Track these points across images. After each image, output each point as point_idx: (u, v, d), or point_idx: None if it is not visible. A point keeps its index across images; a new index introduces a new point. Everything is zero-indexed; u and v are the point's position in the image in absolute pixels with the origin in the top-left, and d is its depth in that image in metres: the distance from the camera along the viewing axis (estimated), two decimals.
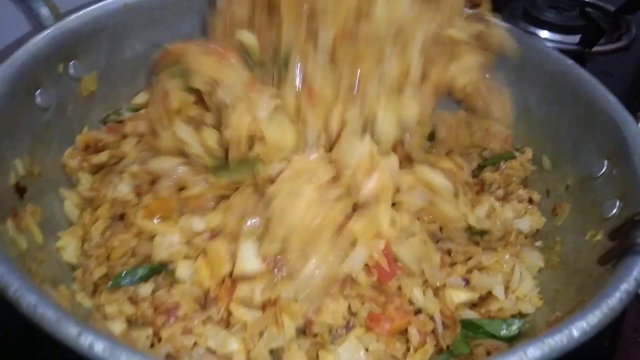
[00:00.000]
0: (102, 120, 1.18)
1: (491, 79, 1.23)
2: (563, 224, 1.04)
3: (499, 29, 1.03)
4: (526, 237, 1.06)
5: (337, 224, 0.87)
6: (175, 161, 0.99)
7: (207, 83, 0.95)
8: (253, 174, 0.94)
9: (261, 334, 0.85)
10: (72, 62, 1.07)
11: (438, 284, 0.92)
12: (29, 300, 0.63)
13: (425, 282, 0.93)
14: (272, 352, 0.85)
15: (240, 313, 0.85)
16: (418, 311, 0.91)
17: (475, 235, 1.04)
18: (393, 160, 0.92)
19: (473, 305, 0.95)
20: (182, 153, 0.99)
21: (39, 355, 0.90)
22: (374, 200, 0.89)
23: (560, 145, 1.12)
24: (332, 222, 0.86)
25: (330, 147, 0.95)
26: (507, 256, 0.96)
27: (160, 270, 0.91)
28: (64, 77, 1.05)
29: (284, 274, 0.86)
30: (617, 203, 0.91)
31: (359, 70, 0.93)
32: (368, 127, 0.96)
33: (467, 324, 0.91)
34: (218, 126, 0.96)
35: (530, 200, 1.12)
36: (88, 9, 1.10)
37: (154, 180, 1.00)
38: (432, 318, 0.89)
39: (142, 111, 1.18)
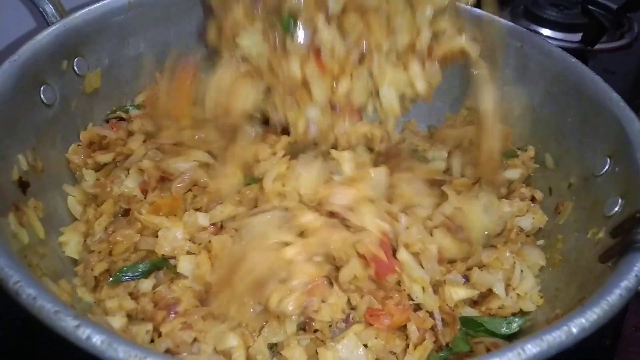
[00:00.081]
0: (106, 117, 1.18)
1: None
2: (565, 222, 1.04)
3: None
4: (528, 236, 1.06)
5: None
6: (191, 162, 1.00)
7: None
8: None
9: (261, 329, 0.85)
10: (76, 59, 1.07)
11: (438, 278, 0.93)
12: (29, 292, 0.63)
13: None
14: (272, 347, 0.85)
15: None
16: (417, 308, 0.91)
17: None
18: (380, 173, 0.96)
19: (474, 302, 0.95)
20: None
21: (38, 356, 0.91)
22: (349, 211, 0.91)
23: (563, 144, 1.11)
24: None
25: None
26: (507, 253, 0.96)
27: (161, 266, 0.91)
28: (68, 73, 1.06)
29: None
30: (619, 201, 0.90)
31: (365, 42, 0.93)
32: (372, 101, 0.98)
33: (467, 322, 0.91)
34: None
35: (533, 199, 1.11)
36: (92, 7, 1.11)
37: (162, 178, 1.01)
38: (431, 315, 0.89)
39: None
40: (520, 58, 1.21)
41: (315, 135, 1.01)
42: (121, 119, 1.18)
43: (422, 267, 0.93)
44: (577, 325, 0.66)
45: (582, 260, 0.92)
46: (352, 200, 0.93)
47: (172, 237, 0.92)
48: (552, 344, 0.64)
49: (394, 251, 0.92)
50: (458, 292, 0.91)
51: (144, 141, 1.09)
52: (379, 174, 0.98)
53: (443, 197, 1.03)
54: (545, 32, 1.73)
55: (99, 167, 1.08)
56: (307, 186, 0.96)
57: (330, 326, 0.86)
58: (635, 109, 0.98)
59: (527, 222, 1.06)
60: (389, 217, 0.95)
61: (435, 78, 0.98)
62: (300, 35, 0.93)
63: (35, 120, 0.96)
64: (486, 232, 1.00)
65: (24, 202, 0.88)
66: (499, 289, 0.93)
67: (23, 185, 0.90)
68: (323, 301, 0.85)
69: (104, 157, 1.08)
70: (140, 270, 0.90)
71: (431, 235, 0.97)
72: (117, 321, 0.83)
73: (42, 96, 0.98)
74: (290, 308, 0.83)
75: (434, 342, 0.87)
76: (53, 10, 1.08)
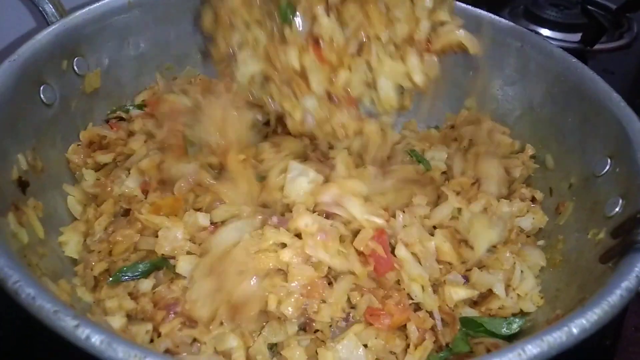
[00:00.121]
0: (106, 117, 1.18)
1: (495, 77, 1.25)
2: (566, 223, 1.04)
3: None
4: (528, 236, 1.06)
5: None
6: (194, 166, 1.00)
7: None
8: None
9: (261, 329, 0.85)
10: (76, 58, 1.07)
11: (436, 276, 0.93)
12: (28, 292, 0.63)
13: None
14: (272, 347, 0.85)
15: None
16: (417, 308, 0.91)
17: None
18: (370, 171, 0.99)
19: (474, 303, 0.95)
20: None
21: (38, 355, 0.91)
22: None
23: (563, 144, 1.11)
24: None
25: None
26: (507, 254, 0.96)
27: (161, 266, 0.91)
28: (68, 73, 1.06)
29: None
30: (620, 201, 0.90)
31: (363, 33, 0.93)
32: (368, 93, 0.98)
33: (467, 322, 0.91)
34: None
35: (533, 199, 1.11)
36: (92, 6, 1.11)
37: (163, 179, 1.01)
38: (431, 315, 0.89)
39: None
40: (520, 58, 1.21)
41: (311, 126, 1.01)
42: (121, 118, 1.18)
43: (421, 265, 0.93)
44: (578, 326, 0.66)
45: (582, 260, 0.92)
46: (336, 195, 0.94)
47: (173, 237, 0.92)
48: (553, 344, 0.64)
49: (393, 249, 0.92)
50: (458, 292, 0.91)
51: (145, 141, 1.09)
52: (368, 171, 1.01)
53: (442, 197, 1.03)
54: (545, 32, 1.74)
55: (98, 167, 1.08)
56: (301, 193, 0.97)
57: (330, 326, 0.86)
58: (634, 108, 0.98)
59: (528, 222, 1.06)
60: (384, 213, 0.95)
61: (433, 70, 0.97)
62: (299, 24, 0.93)
63: (35, 120, 0.96)
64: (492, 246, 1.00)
65: (23, 202, 0.88)
66: (499, 289, 0.93)
67: (23, 184, 0.90)
68: (323, 301, 0.85)
69: (104, 157, 1.08)
70: (140, 270, 0.90)
71: (432, 235, 0.97)
72: (117, 321, 0.83)
73: (42, 96, 0.98)
74: (290, 311, 0.83)
75: (434, 342, 0.87)
76: (53, 10, 1.08)
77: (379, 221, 0.92)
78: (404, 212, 0.97)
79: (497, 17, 1.24)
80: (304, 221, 0.88)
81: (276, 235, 0.88)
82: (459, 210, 1.01)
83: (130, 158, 1.06)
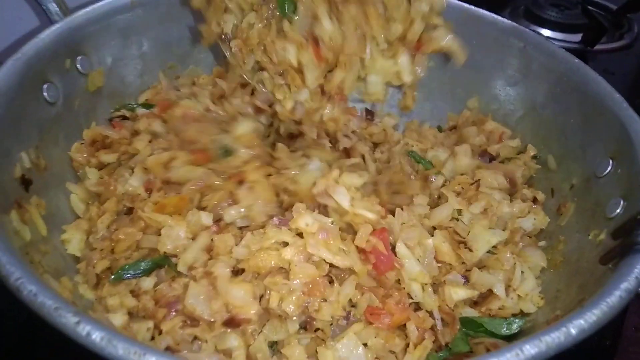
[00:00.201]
0: (110, 116, 1.19)
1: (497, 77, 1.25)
2: (567, 224, 1.04)
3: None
4: (530, 237, 1.06)
5: None
6: (204, 169, 1.01)
7: None
8: None
9: (262, 327, 0.86)
10: (79, 57, 1.08)
11: (435, 274, 0.93)
12: (30, 289, 0.64)
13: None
14: (272, 345, 0.85)
15: None
16: (418, 308, 0.91)
17: None
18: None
19: (474, 303, 0.95)
20: None
21: (39, 353, 0.92)
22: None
23: (565, 145, 1.11)
24: None
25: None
26: (507, 254, 0.96)
27: (162, 264, 0.92)
28: (71, 72, 1.06)
29: None
30: (621, 202, 0.90)
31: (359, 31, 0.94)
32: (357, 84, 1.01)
33: (467, 322, 0.91)
34: None
35: (535, 200, 1.11)
36: (96, 5, 1.11)
37: (168, 178, 1.01)
38: (431, 314, 0.89)
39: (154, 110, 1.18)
40: (523, 59, 1.21)
41: (301, 115, 1.03)
42: (124, 117, 1.18)
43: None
44: (576, 327, 0.66)
45: (583, 261, 0.92)
46: (326, 185, 0.95)
47: (175, 235, 0.92)
48: (551, 344, 0.64)
49: (393, 248, 0.92)
50: (457, 293, 0.91)
51: (150, 141, 1.09)
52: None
53: (442, 198, 1.04)
54: (546, 32, 1.74)
55: (102, 166, 1.08)
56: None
57: (331, 324, 0.86)
58: (635, 109, 0.98)
59: (529, 223, 1.06)
60: (381, 209, 0.96)
61: (422, 70, 0.99)
62: (300, 22, 0.93)
63: (39, 118, 0.97)
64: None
65: (26, 200, 0.89)
66: (499, 290, 0.93)
67: (26, 182, 0.90)
68: (324, 300, 0.86)
69: (108, 157, 1.08)
70: (141, 268, 0.91)
71: (432, 235, 0.97)
72: (118, 318, 0.84)
73: (45, 94, 0.99)
74: (291, 308, 0.83)
75: (434, 342, 0.87)
76: (57, 9, 1.09)
77: (370, 215, 0.93)
78: (402, 209, 0.98)
79: (499, 17, 1.24)
80: (305, 221, 0.88)
81: (278, 234, 0.89)
82: (459, 211, 1.01)
83: (134, 157, 1.06)
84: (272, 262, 0.86)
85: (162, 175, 1.01)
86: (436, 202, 1.06)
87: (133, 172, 1.03)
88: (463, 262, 0.97)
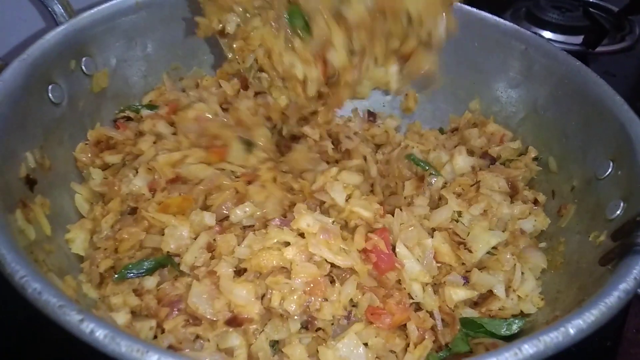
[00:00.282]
0: (114, 117, 1.20)
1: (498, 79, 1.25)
2: (568, 225, 1.04)
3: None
4: (530, 238, 1.06)
5: None
6: (213, 170, 1.02)
7: None
8: None
9: (264, 326, 0.86)
10: (84, 58, 1.09)
11: (435, 274, 0.94)
12: (35, 287, 0.65)
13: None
14: (273, 344, 0.86)
15: None
16: (418, 308, 0.91)
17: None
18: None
19: (474, 303, 0.95)
20: None
21: (44, 350, 0.92)
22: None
23: (566, 146, 1.12)
24: None
25: None
26: (508, 255, 0.96)
27: (165, 264, 0.92)
28: (76, 73, 1.07)
29: None
30: (621, 204, 0.90)
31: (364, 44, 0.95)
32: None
33: (467, 323, 0.92)
34: None
35: (536, 201, 1.11)
36: (101, 7, 1.12)
37: (174, 179, 1.02)
38: (431, 315, 0.90)
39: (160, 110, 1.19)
40: (524, 61, 1.21)
41: (293, 112, 1.07)
42: (129, 118, 1.19)
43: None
44: (575, 327, 0.66)
45: (583, 263, 0.93)
46: (324, 182, 0.99)
47: (179, 235, 0.93)
48: (549, 344, 0.64)
49: (393, 248, 0.93)
50: (458, 293, 0.91)
51: (154, 142, 1.10)
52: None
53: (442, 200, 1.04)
54: (547, 34, 1.74)
55: (106, 166, 1.09)
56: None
57: (332, 324, 0.87)
58: (636, 111, 0.98)
59: (530, 224, 1.06)
60: (379, 208, 0.97)
61: (408, 80, 1.02)
62: (313, 42, 0.94)
63: (43, 119, 0.98)
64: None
65: (31, 199, 0.90)
66: (499, 291, 0.93)
67: (30, 182, 0.91)
68: (325, 299, 0.86)
69: (112, 158, 1.09)
70: (145, 267, 0.92)
71: (432, 236, 0.98)
72: (121, 317, 0.84)
73: (50, 95, 1.00)
74: (292, 308, 0.84)
75: (434, 342, 0.88)
76: (62, 10, 1.10)
77: (366, 214, 0.94)
78: (401, 210, 0.98)
79: (501, 20, 1.24)
80: (306, 221, 0.89)
81: (280, 234, 0.89)
82: (459, 213, 1.01)
83: (138, 158, 1.07)
84: (274, 262, 0.87)
85: (169, 175, 1.02)
86: (437, 203, 1.07)
87: (137, 172, 1.04)
88: (463, 263, 0.97)
